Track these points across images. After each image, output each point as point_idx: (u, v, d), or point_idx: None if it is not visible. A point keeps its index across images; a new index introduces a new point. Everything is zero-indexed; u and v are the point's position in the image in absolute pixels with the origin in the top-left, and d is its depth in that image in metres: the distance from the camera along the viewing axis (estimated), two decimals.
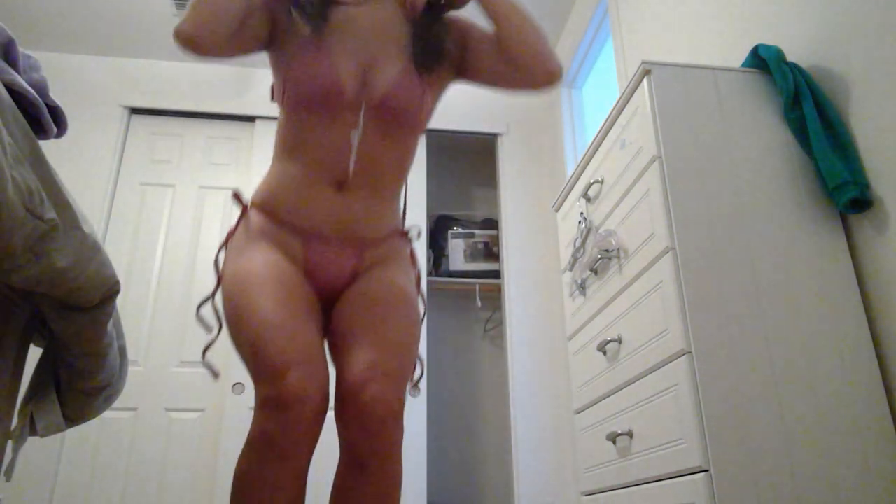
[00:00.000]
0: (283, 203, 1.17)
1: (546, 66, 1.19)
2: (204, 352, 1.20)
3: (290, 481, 0.95)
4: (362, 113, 1.16)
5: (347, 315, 1.11)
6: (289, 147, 1.19)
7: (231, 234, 1.20)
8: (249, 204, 1.22)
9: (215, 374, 1.25)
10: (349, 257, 1.18)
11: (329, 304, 1.19)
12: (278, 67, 1.23)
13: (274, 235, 1.15)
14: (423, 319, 1.19)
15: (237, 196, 1.23)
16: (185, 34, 1.09)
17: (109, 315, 1.10)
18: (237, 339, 1.04)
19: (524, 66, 1.19)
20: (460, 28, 1.29)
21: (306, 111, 1.16)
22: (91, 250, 0.98)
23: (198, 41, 1.10)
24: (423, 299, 1.25)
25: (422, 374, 1.21)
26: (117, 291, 1.09)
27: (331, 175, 1.16)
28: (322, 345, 1.05)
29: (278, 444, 0.92)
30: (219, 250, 1.23)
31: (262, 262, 1.09)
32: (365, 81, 1.17)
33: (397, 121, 1.18)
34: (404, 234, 1.29)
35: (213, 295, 1.20)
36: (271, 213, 1.17)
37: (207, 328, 1.20)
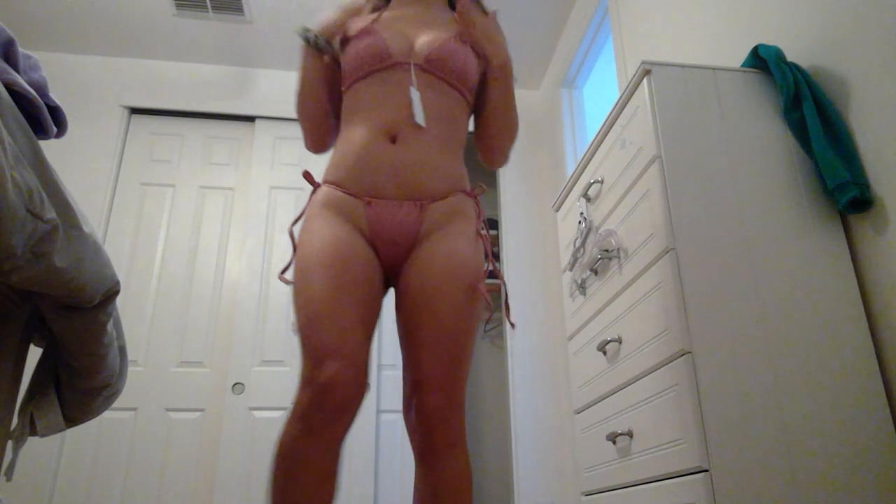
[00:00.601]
0: (346, 168, 1.25)
1: (500, 160, 1.46)
2: (282, 271, 1.30)
3: (321, 455, 1.02)
4: (412, 69, 1.30)
5: (407, 310, 1.18)
6: (349, 116, 1.31)
7: (303, 213, 1.30)
8: (322, 181, 1.31)
9: (288, 282, 1.30)
10: (409, 213, 1.21)
11: (396, 268, 1.24)
12: (341, 65, 1.38)
13: (339, 205, 1.23)
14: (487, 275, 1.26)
15: (308, 175, 1.31)
16: (314, 150, 1.44)
17: (109, 315, 1.10)
18: (295, 314, 1.16)
19: (490, 146, 1.44)
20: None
21: (361, 79, 1.31)
22: (91, 250, 0.98)
23: (320, 145, 1.43)
24: (490, 256, 1.27)
25: (491, 315, 1.26)
26: (117, 291, 1.09)
27: (385, 126, 1.25)
28: (366, 333, 1.13)
29: (310, 419, 1.02)
30: (292, 224, 1.32)
31: (324, 241, 1.18)
32: (412, 48, 1.33)
33: (442, 73, 1.30)
34: (469, 194, 1.30)
35: (288, 266, 1.30)
36: (337, 184, 1.26)
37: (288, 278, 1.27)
